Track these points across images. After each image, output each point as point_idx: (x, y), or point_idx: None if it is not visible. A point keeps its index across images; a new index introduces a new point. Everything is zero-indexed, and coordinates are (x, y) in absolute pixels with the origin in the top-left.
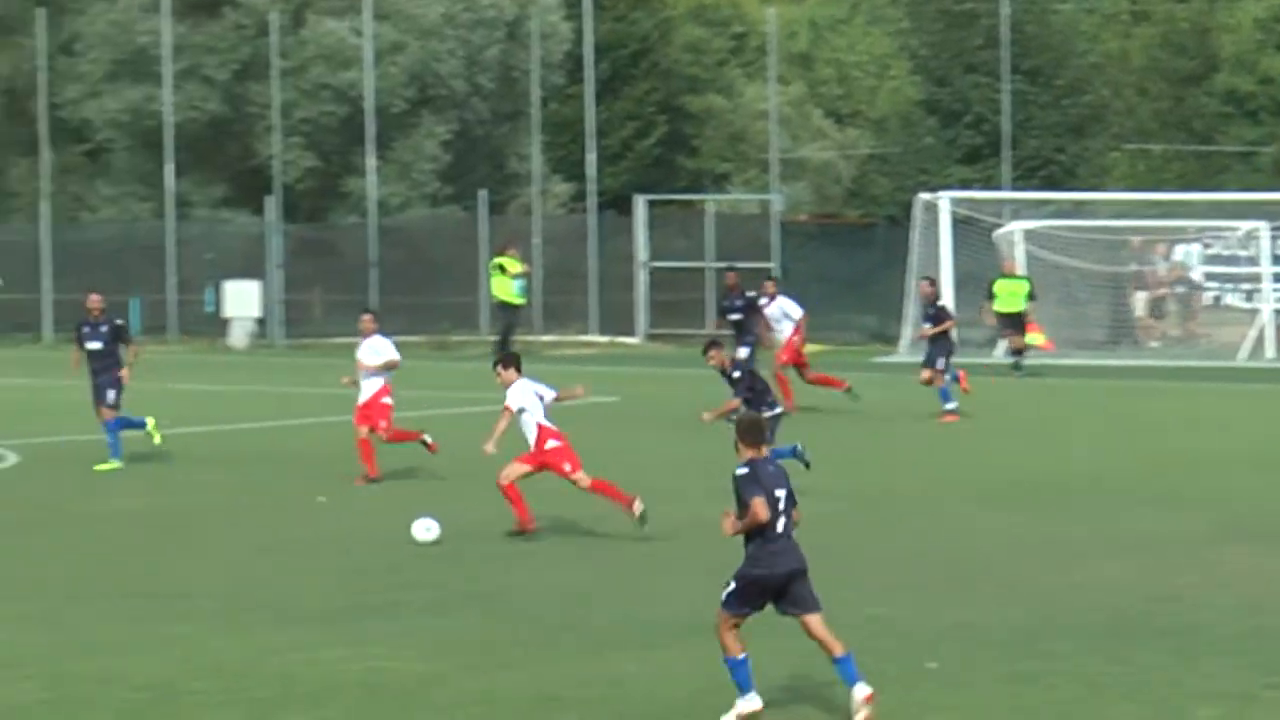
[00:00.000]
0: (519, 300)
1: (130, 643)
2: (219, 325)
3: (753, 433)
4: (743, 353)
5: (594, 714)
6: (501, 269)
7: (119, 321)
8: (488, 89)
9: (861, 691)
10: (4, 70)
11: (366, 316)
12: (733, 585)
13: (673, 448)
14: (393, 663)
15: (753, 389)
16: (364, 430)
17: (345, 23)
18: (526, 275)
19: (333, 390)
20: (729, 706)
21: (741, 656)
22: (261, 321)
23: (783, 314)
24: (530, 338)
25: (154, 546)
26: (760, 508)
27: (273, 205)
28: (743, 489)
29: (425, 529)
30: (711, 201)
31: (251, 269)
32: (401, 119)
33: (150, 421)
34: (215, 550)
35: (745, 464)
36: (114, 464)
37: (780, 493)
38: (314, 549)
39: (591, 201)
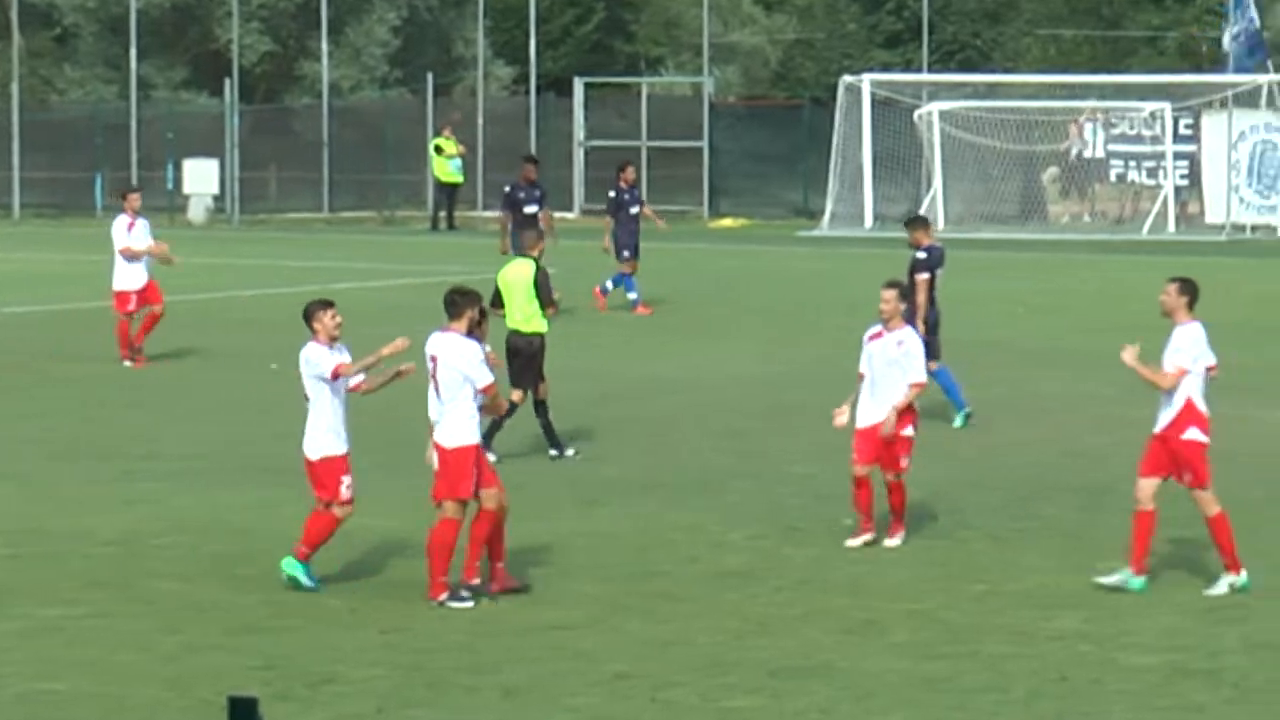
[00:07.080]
0: (457, 179)
1: (99, 500)
2: (179, 201)
3: None
4: None
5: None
6: (439, 149)
7: None
8: None
9: None
10: None
11: (134, 195)
12: None
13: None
14: (356, 519)
15: None
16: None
17: None
18: (461, 155)
19: (285, 262)
20: None
21: None
22: (219, 198)
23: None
24: (473, 213)
25: (122, 408)
26: None
27: (231, 87)
28: None
29: None
30: (646, 84)
31: (210, 148)
32: (355, 5)
33: None
34: (179, 412)
35: None
36: None
37: None
38: (268, 411)
39: (533, 84)
